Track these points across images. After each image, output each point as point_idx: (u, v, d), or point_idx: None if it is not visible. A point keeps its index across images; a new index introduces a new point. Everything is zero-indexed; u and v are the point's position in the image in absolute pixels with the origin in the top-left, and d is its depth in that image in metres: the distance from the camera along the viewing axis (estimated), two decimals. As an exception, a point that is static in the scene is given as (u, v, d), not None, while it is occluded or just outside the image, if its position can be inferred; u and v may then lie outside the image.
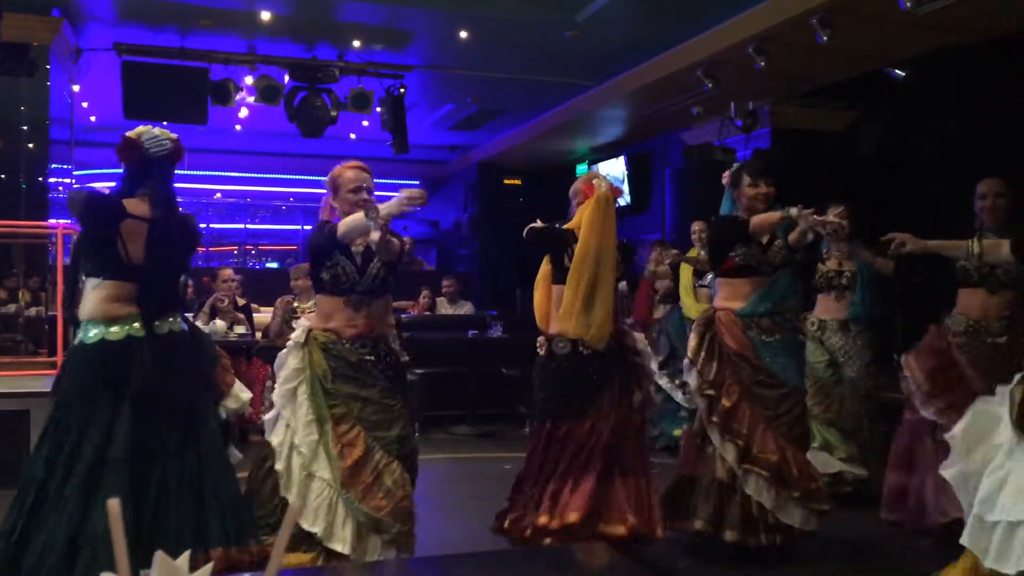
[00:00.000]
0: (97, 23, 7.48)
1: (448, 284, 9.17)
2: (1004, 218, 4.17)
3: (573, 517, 3.58)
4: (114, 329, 2.85)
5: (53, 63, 7.17)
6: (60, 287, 5.84)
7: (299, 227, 15.51)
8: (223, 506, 2.90)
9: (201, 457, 2.89)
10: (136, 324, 2.88)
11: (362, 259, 3.34)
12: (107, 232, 2.89)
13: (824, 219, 3.88)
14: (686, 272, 6.38)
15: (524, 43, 7.85)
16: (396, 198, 3.04)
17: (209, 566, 0.98)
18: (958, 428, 3.15)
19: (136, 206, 2.93)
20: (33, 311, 7.08)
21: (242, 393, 5.62)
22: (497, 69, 8.71)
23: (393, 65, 8.49)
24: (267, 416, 3.40)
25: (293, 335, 3.39)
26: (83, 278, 2.99)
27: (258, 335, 7.17)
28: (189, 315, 3.24)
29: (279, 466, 3.20)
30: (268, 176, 14.63)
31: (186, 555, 0.98)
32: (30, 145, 7.22)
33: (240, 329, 6.93)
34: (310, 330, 3.34)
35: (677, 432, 6.37)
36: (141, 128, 3.06)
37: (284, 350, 3.39)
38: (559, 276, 3.85)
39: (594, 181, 3.89)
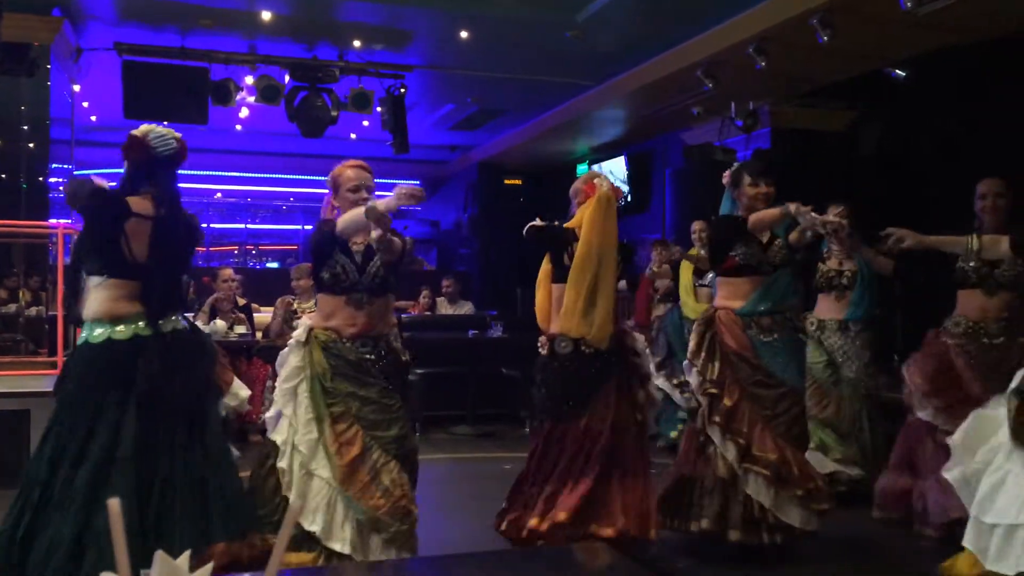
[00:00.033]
0: (98, 23, 7.48)
1: (448, 284, 9.17)
2: (1004, 218, 4.18)
3: (561, 516, 3.59)
4: (120, 328, 2.85)
5: (54, 63, 7.17)
6: (60, 287, 5.84)
7: (299, 227, 15.53)
8: (227, 503, 2.91)
9: (205, 454, 2.90)
10: (141, 323, 2.88)
11: (362, 258, 3.35)
12: (112, 231, 2.89)
13: (824, 218, 3.89)
14: (686, 272, 6.38)
15: (524, 43, 7.85)
16: (393, 194, 3.07)
17: (209, 566, 0.98)
18: (959, 431, 3.16)
19: (140, 204, 2.93)
20: (33, 311, 7.08)
21: (241, 391, 5.62)
22: (497, 69, 8.71)
23: (393, 65, 8.50)
24: (268, 414, 3.41)
25: (295, 334, 3.40)
26: (85, 277, 2.99)
27: (258, 335, 7.17)
28: (189, 315, 3.23)
29: (282, 464, 3.21)
30: (268, 176, 14.64)
31: (186, 555, 0.98)
32: (31, 145, 7.23)
33: (240, 329, 6.93)
34: (311, 329, 3.35)
35: (674, 433, 6.38)
36: (147, 126, 3.06)
37: (286, 349, 3.40)
38: (559, 275, 3.85)
39: (595, 180, 3.89)
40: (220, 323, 6.80)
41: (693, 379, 4.01)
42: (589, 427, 3.69)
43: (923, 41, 6.59)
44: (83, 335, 2.91)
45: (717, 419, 3.86)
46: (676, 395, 6.38)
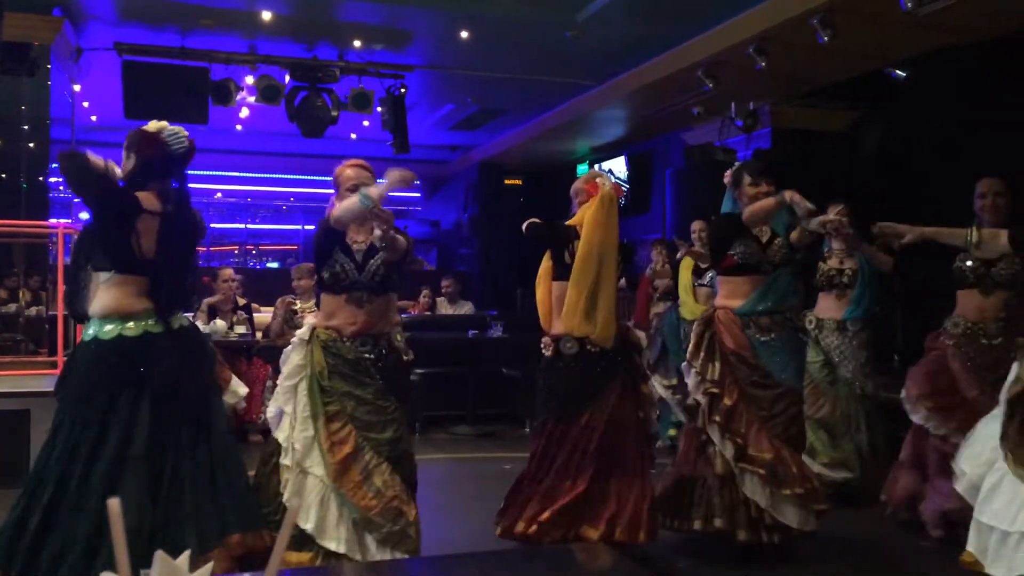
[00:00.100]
0: (98, 23, 7.48)
1: (447, 284, 9.16)
2: (1004, 217, 4.17)
3: (546, 517, 3.60)
4: (130, 325, 2.84)
5: (54, 63, 7.17)
6: (61, 287, 5.84)
7: (299, 227, 15.53)
8: (239, 496, 2.92)
9: (214, 449, 2.91)
10: (151, 320, 2.88)
11: (363, 257, 3.35)
12: (123, 227, 2.88)
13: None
14: (686, 271, 6.38)
15: (525, 43, 7.85)
16: (385, 180, 3.15)
17: (209, 566, 0.98)
18: (966, 441, 3.15)
19: (148, 200, 2.93)
20: (33, 311, 7.08)
21: (239, 388, 5.61)
22: (498, 69, 8.71)
23: (394, 65, 8.50)
24: (270, 412, 3.42)
25: (298, 332, 3.42)
26: (90, 273, 2.97)
27: (258, 335, 7.17)
28: (188, 315, 3.24)
29: (285, 461, 3.23)
30: (269, 176, 14.64)
31: (186, 555, 0.98)
32: (31, 145, 7.22)
33: (240, 329, 6.93)
34: (314, 328, 3.37)
35: (671, 432, 6.38)
36: (158, 123, 3.06)
37: (288, 347, 3.42)
38: (560, 272, 3.85)
39: (597, 180, 3.90)
40: (220, 323, 6.79)
41: (691, 379, 4.00)
42: (589, 425, 3.69)
43: (923, 41, 6.58)
44: (90, 331, 2.89)
45: (717, 418, 3.86)
46: (668, 396, 6.38)
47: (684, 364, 4.13)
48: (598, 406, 3.71)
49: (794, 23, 6.31)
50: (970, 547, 2.90)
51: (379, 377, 3.29)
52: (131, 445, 2.73)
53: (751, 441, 3.82)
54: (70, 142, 8.75)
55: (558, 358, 3.80)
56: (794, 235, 3.98)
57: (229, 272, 7.24)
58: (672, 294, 6.69)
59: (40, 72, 6.94)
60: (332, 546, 3.13)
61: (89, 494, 2.66)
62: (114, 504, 0.91)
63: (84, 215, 10.19)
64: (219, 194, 14.76)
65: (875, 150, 8.75)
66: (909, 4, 5.41)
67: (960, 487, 3.10)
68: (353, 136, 11.26)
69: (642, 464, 3.80)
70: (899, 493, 4.44)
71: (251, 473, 3.25)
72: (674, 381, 6.41)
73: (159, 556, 0.95)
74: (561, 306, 3.79)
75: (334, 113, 8.42)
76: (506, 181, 13.40)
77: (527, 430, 6.96)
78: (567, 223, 3.90)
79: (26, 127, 7.24)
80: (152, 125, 3.04)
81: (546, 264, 4.00)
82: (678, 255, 6.32)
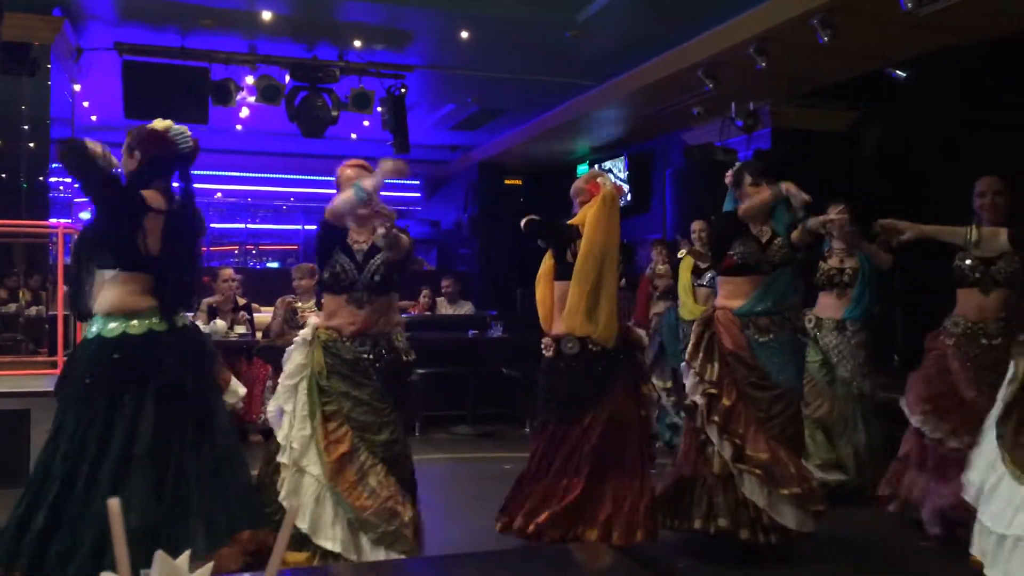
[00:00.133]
0: (98, 23, 7.48)
1: (447, 284, 9.16)
2: (1003, 216, 4.16)
3: (544, 517, 3.60)
4: (134, 323, 2.85)
5: (54, 62, 7.18)
6: (61, 287, 5.84)
7: (299, 227, 15.53)
8: (245, 493, 2.94)
9: (217, 447, 2.91)
10: (155, 318, 2.88)
11: (364, 257, 3.36)
12: (130, 225, 2.88)
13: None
14: (685, 271, 6.38)
15: (525, 43, 7.85)
16: (377, 171, 3.23)
17: (209, 566, 0.98)
18: (973, 452, 3.15)
19: (153, 198, 2.94)
20: (34, 310, 7.08)
21: (238, 388, 5.62)
22: (498, 69, 8.71)
23: (394, 65, 8.50)
24: (270, 411, 3.43)
25: (302, 332, 3.43)
26: (95, 270, 2.95)
27: (258, 335, 7.17)
28: (188, 315, 3.24)
29: (283, 459, 3.25)
30: (269, 176, 14.64)
31: (186, 555, 0.98)
32: (31, 144, 7.22)
33: (240, 329, 6.93)
34: (316, 328, 3.39)
35: (667, 437, 6.38)
36: (164, 122, 3.06)
37: (291, 346, 3.43)
38: (562, 272, 3.84)
39: (599, 179, 3.90)
40: (220, 323, 6.79)
41: (689, 380, 4.00)
42: (592, 425, 3.69)
43: (924, 42, 6.59)
44: (93, 329, 2.88)
45: (716, 419, 3.85)
46: (664, 398, 6.38)
47: (683, 364, 4.13)
48: (601, 406, 3.71)
49: (794, 23, 6.31)
50: (973, 549, 2.90)
51: (377, 378, 3.30)
52: (135, 444, 2.72)
53: (749, 441, 3.82)
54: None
55: (559, 358, 3.79)
56: (795, 234, 3.97)
57: (229, 272, 7.24)
58: (672, 293, 6.69)
59: (40, 72, 6.95)
60: (327, 545, 3.13)
61: (96, 493, 2.65)
62: (114, 504, 0.91)
63: (85, 215, 10.20)
64: (219, 194, 14.75)
65: (875, 150, 8.76)
66: (909, 4, 5.42)
67: (968, 496, 3.09)
68: (353, 136, 11.27)
69: (642, 464, 3.80)
70: (906, 492, 4.43)
71: (253, 472, 3.25)
72: (669, 384, 6.42)
73: (159, 556, 0.95)
74: (563, 306, 3.79)
75: (334, 113, 8.42)
76: (506, 181, 13.41)
77: (527, 430, 6.95)
78: (569, 223, 3.89)
79: (26, 127, 7.24)
80: (159, 123, 3.04)
81: (547, 264, 4.00)
82: (679, 254, 6.33)
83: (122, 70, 7.84)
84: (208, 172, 13.53)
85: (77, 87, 8.36)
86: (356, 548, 3.18)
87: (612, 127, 10.64)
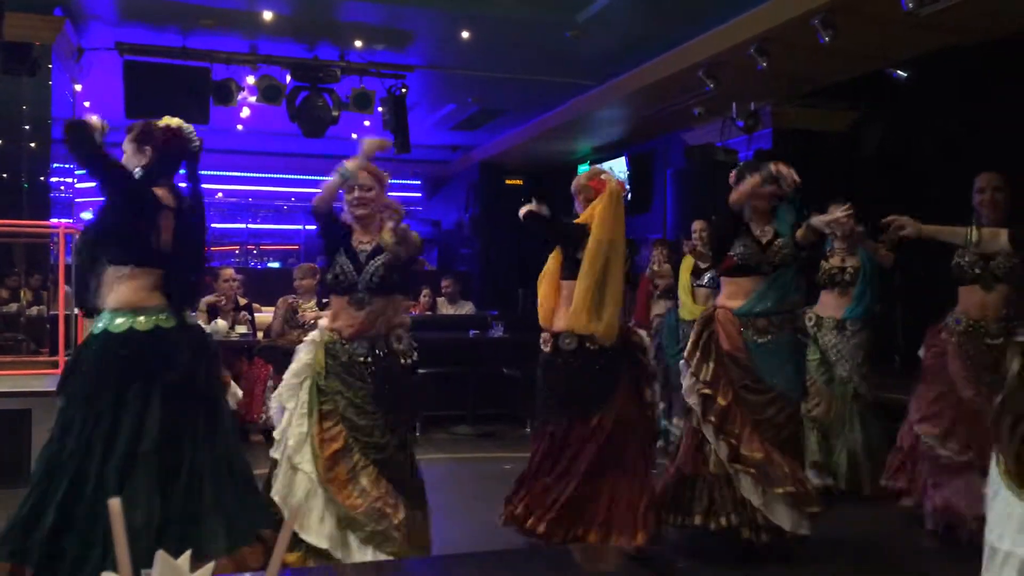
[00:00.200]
0: (99, 23, 7.49)
1: (447, 284, 9.16)
2: (1003, 213, 4.16)
3: (552, 516, 3.61)
4: (141, 319, 2.85)
5: (55, 62, 7.18)
6: (62, 287, 5.85)
7: (300, 227, 15.53)
8: (255, 492, 2.95)
9: (225, 445, 2.92)
10: (163, 315, 2.88)
11: (365, 258, 3.36)
12: (145, 222, 2.89)
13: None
14: (685, 271, 6.38)
15: (525, 43, 7.86)
16: (359, 151, 3.34)
17: (210, 566, 0.98)
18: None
19: (163, 195, 2.96)
20: (35, 310, 7.08)
21: (236, 391, 5.64)
22: (498, 69, 8.71)
23: (394, 65, 8.50)
24: (272, 408, 3.46)
25: (311, 333, 3.45)
26: (105, 266, 2.95)
27: (259, 335, 7.17)
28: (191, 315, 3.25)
29: (275, 454, 3.29)
30: (270, 176, 14.65)
31: (187, 555, 0.98)
32: (32, 144, 7.23)
33: (241, 329, 6.94)
34: (324, 329, 3.42)
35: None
36: (173, 119, 3.07)
37: (301, 345, 3.45)
38: (570, 271, 3.84)
39: (602, 176, 3.91)
40: (221, 323, 6.80)
41: (686, 380, 4.00)
42: (600, 426, 3.70)
43: (925, 42, 6.58)
44: (99, 325, 2.87)
45: (712, 419, 3.85)
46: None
47: (681, 362, 4.13)
48: (608, 407, 3.71)
49: (795, 23, 6.31)
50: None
51: (371, 380, 3.31)
52: (142, 441, 2.72)
53: (744, 441, 3.81)
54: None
55: (556, 354, 3.81)
56: (800, 233, 3.97)
57: (230, 272, 7.25)
58: (672, 292, 6.69)
59: (41, 72, 6.95)
60: (314, 541, 3.14)
61: (103, 492, 2.64)
62: (114, 504, 0.91)
63: (86, 214, 10.21)
64: (220, 194, 14.75)
65: (876, 150, 8.75)
66: (910, 4, 5.41)
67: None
68: (354, 136, 11.22)
69: (644, 466, 3.80)
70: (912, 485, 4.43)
71: (256, 472, 3.26)
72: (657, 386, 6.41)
73: (160, 556, 0.95)
74: (569, 304, 3.79)
75: (335, 113, 8.43)
76: (507, 181, 13.40)
77: (527, 430, 6.95)
78: (577, 220, 3.89)
79: (27, 127, 7.25)
80: (171, 121, 3.05)
81: (554, 262, 3.99)
82: (687, 250, 6.33)
83: (123, 70, 7.84)
84: (209, 172, 13.52)
85: (78, 87, 8.37)
86: (344, 546, 3.19)
87: (613, 127, 10.64)
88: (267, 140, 12.16)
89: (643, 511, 3.68)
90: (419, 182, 15.50)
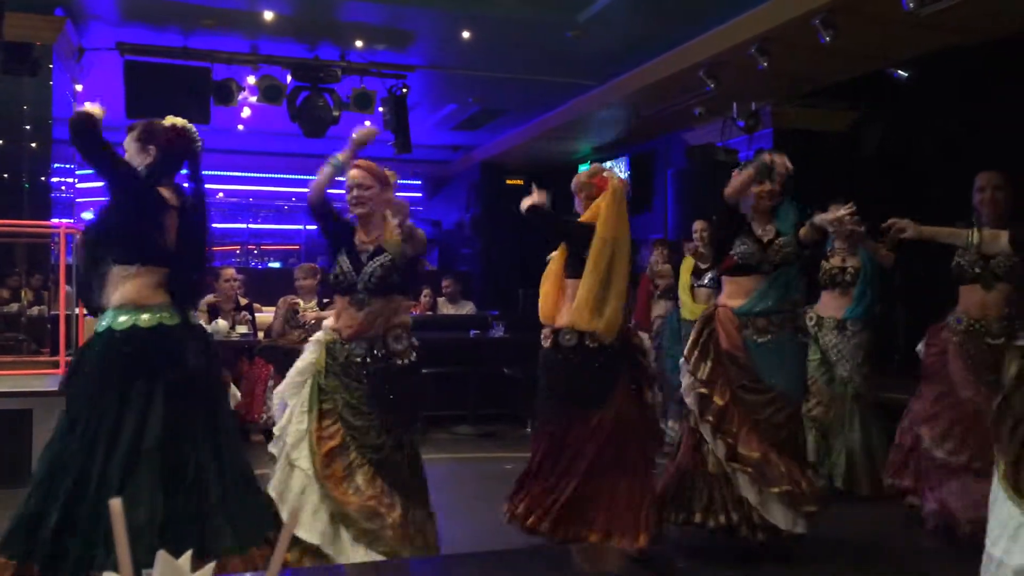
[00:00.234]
0: (100, 23, 7.49)
1: (447, 284, 9.16)
2: (1003, 212, 4.15)
3: (556, 515, 3.61)
4: (145, 317, 2.85)
5: (56, 62, 7.19)
6: (63, 287, 5.85)
7: (301, 227, 15.52)
8: (258, 492, 2.96)
9: (228, 444, 2.93)
10: (167, 313, 2.89)
11: (366, 258, 3.37)
12: (151, 221, 2.90)
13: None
14: (686, 271, 6.39)
15: (526, 43, 7.86)
16: (349, 143, 3.39)
17: (211, 566, 0.98)
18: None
19: (167, 194, 2.97)
20: (35, 310, 7.09)
21: (236, 391, 5.65)
22: (499, 69, 8.71)
23: (395, 65, 8.50)
24: (274, 405, 3.48)
25: (317, 334, 3.46)
26: (110, 265, 2.94)
27: (260, 335, 7.17)
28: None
29: (273, 449, 3.32)
30: (270, 176, 14.65)
31: (187, 555, 0.98)
32: (33, 144, 7.24)
33: (242, 329, 6.94)
34: (328, 328, 3.44)
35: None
36: (177, 119, 3.07)
37: (308, 343, 3.47)
38: (575, 270, 3.84)
39: (604, 173, 3.91)
40: (222, 323, 6.80)
41: (684, 379, 4.00)
42: (599, 426, 3.70)
43: (925, 42, 6.58)
44: (103, 323, 2.88)
45: (710, 418, 3.85)
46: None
47: (681, 361, 4.13)
48: (607, 407, 3.72)
49: (796, 23, 6.31)
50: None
51: (367, 381, 3.31)
52: (144, 438, 2.72)
53: (741, 440, 3.81)
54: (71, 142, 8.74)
55: (556, 350, 3.81)
56: (803, 231, 3.96)
57: (231, 272, 7.25)
58: (672, 292, 6.70)
59: (42, 72, 6.96)
60: (305, 536, 3.14)
61: (107, 491, 2.64)
62: (115, 504, 0.91)
63: (87, 214, 10.21)
64: (221, 194, 14.75)
65: (876, 150, 8.75)
66: (911, 4, 5.41)
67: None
68: (354, 136, 11.26)
69: (645, 466, 3.80)
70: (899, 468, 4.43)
71: (257, 472, 3.27)
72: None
73: (161, 555, 0.96)
74: (573, 302, 3.80)
75: (336, 113, 8.43)
76: (508, 181, 13.38)
77: (528, 430, 6.95)
78: (581, 219, 3.89)
79: (28, 127, 7.25)
80: (175, 121, 3.06)
81: (558, 261, 3.99)
82: (688, 250, 6.33)
83: (124, 70, 7.84)
84: (210, 172, 13.41)
85: (79, 87, 8.37)
86: (336, 542, 3.19)
87: (613, 127, 10.64)
88: (268, 140, 12.16)
89: (644, 512, 3.68)
90: (420, 182, 15.50)
